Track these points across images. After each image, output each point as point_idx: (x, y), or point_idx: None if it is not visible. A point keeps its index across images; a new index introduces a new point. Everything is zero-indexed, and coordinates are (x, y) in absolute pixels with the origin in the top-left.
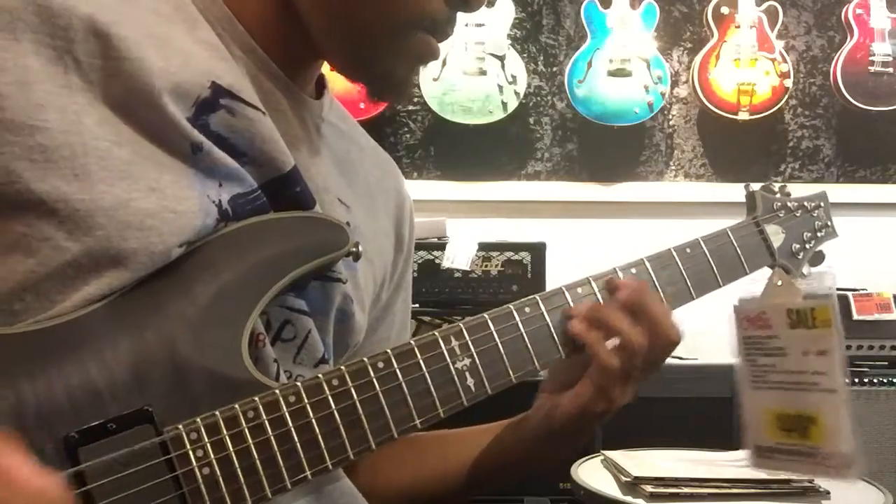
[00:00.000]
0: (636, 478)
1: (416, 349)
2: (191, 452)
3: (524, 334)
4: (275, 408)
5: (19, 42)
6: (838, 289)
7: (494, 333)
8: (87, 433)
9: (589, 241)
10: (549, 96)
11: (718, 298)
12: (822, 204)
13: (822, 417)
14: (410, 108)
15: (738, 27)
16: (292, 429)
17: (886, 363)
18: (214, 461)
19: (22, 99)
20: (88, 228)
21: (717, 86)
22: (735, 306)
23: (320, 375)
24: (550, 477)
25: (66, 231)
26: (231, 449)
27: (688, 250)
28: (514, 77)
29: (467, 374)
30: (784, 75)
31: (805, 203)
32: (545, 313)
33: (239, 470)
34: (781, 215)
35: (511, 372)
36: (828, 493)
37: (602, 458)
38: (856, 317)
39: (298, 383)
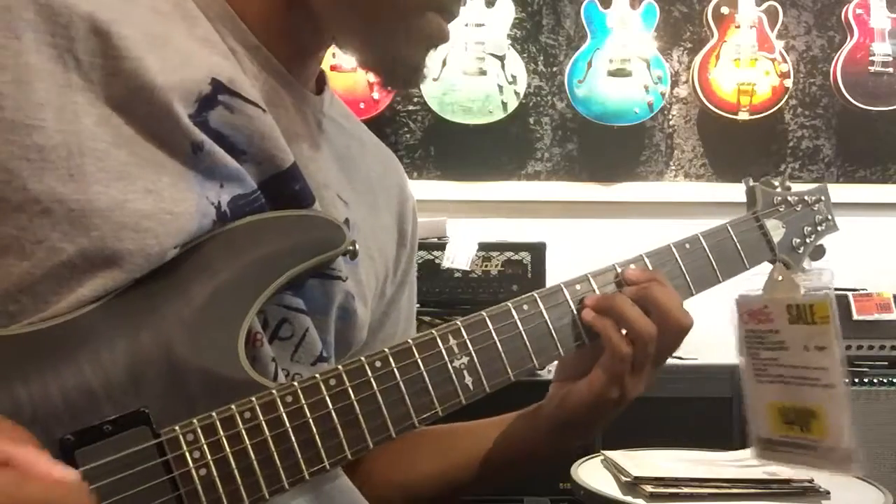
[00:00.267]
0: (636, 478)
1: (413, 348)
2: (187, 454)
3: (522, 332)
4: (272, 408)
5: (19, 40)
6: (838, 289)
7: (492, 332)
8: (83, 435)
9: (589, 241)
10: (549, 96)
11: (718, 298)
12: (822, 198)
13: (822, 412)
14: (410, 108)
15: (738, 27)
16: (289, 429)
17: (886, 363)
18: (211, 462)
19: (21, 97)
20: (84, 229)
21: (717, 86)
22: (737, 300)
23: (317, 375)
24: (550, 477)
25: (61, 232)
26: (228, 450)
27: (687, 246)
28: (514, 77)
29: (465, 372)
30: (784, 75)
31: (805, 197)
32: (543, 311)
33: (236, 471)
34: (782, 210)
35: (510, 370)
36: (828, 493)
37: (602, 458)
38: (856, 317)
39: (295, 383)
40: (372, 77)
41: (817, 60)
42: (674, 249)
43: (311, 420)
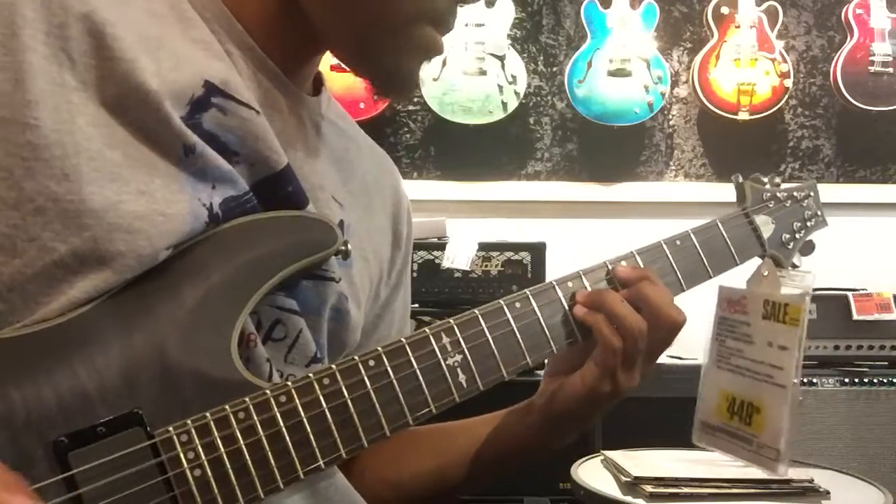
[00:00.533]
0: (636, 478)
1: (406, 347)
2: (182, 454)
3: (515, 329)
4: (266, 408)
5: (16, 37)
6: (838, 289)
7: (485, 329)
8: (76, 437)
9: (589, 241)
10: (549, 96)
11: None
12: (811, 194)
13: (766, 409)
14: (410, 108)
15: (738, 27)
16: (283, 429)
17: (886, 363)
18: (206, 463)
19: (16, 95)
20: (76, 229)
21: (717, 86)
22: (721, 286)
23: (311, 375)
24: (550, 477)
25: (54, 231)
26: (222, 450)
27: (678, 242)
28: (514, 77)
29: (459, 370)
30: (784, 75)
31: (795, 193)
32: (536, 308)
33: (231, 471)
34: (771, 206)
35: (503, 367)
36: (828, 493)
37: (602, 458)
38: (856, 317)
39: (289, 383)
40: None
41: (817, 60)
42: (664, 246)
43: (305, 419)
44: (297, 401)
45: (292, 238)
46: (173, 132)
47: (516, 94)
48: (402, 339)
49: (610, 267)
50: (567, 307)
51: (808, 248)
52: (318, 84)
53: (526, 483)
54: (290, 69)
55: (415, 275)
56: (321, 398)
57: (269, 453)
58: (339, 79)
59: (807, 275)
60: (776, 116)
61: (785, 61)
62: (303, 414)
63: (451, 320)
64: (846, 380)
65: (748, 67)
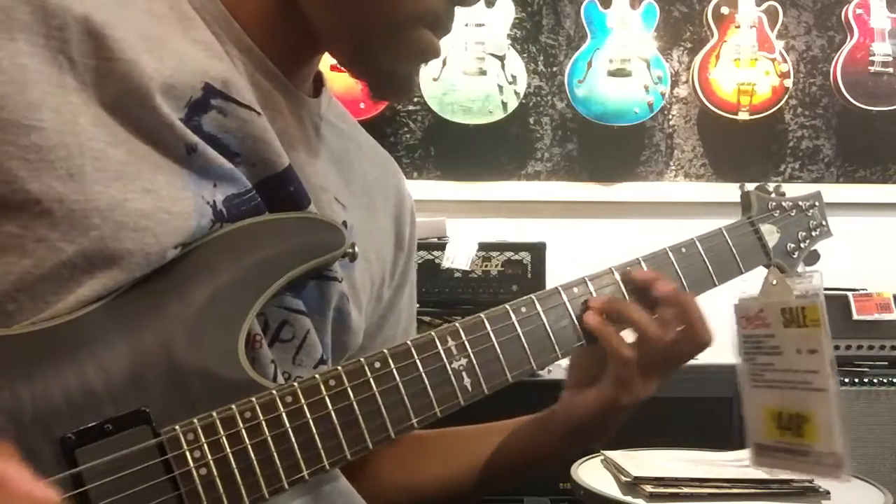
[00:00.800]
0: (636, 478)
1: (412, 349)
2: (188, 453)
3: (521, 334)
4: (272, 408)
5: (15, 41)
6: (838, 289)
7: (491, 333)
8: (83, 434)
9: (589, 241)
10: (549, 96)
11: (719, 300)
12: (816, 203)
13: (814, 416)
14: (410, 108)
15: (738, 27)
16: (289, 429)
17: (886, 363)
18: (211, 462)
19: (18, 98)
20: (83, 229)
21: (717, 86)
22: (735, 305)
23: (317, 376)
24: (550, 477)
25: (61, 232)
26: (228, 450)
27: (683, 250)
28: (514, 77)
29: (464, 373)
30: (784, 75)
31: (800, 203)
32: (541, 313)
33: (236, 470)
34: (776, 215)
35: (508, 371)
36: (828, 493)
37: (602, 458)
38: (856, 317)
39: (295, 384)
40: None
41: (817, 60)
42: (670, 253)
43: (310, 420)
44: (303, 401)
45: (300, 239)
46: (174, 131)
47: (516, 94)
48: (408, 342)
49: (616, 274)
50: (572, 313)
51: (812, 258)
52: (318, 84)
53: (526, 483)
54: (290, 70)
55: None
56: (327, 399)
57: (275, 453)
58: (339, 79)
59: (815, 274)
60: (776, 116)
61: (785, 61)
62: (308, 415)
63: (457, 324)
64: (846, 380)
65: (748, 67)
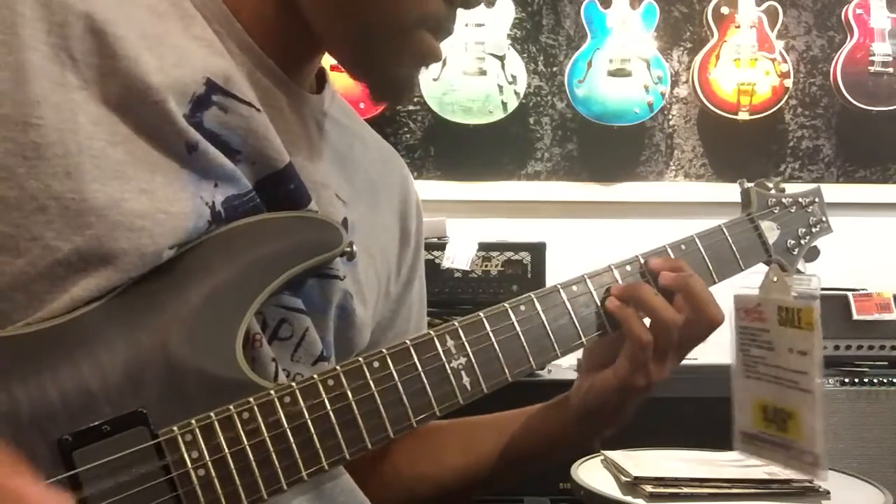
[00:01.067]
0: (636, 478)
1: (411, 349)
2: (186, 454)
3: (520, 333)
4: (270, 409)
5: (17, 37)
6: (838, 289)
7: (490, 332)
8: (81, 436)
9: (589, 241)
10: (549, 96)
11: (719, 300)
12: (816, 200)
13: (798, 415)
14: (410, 108)
15: (738, 27)
16: (288, 430)
17: (886, 363)
18: (210, 463)
19: (18, 95)
20: (79, 228)
21: (717, 86)
22: (735, 296)
23: (315, 376)
24: (550, 477)
25: (56, 230)
26: (226, 450)
27: (683, 247)
28: (514, 77)
29: (463, 373)
30: (784, 75)
31: (800, 199)
32: (540, 312)
33: (234, 471)
34: (776, 211)
35: (507, 371)
36: (828, 493)
37: (602, 458)
38: (856, 317)
39: (294, 384)
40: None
41: (817, 60)
42: (669, 251)
43: (309, 421)
44: (302, 402)
45: (298, 238)
46: (176, 130)
47: (516, 94)
48: (407, 342)
49: (615, 271)
50: (572, 311)
51: (812, 254)
52: (321, 81)
53: (526, 483)
54: (291, 68)
55: None
56: (325, 400)
57: (273, 454)
58: (339, 78)
59: (812, 278)
60: (776, 116)
61: (785, 61)
62: (307, 415)
63: (456, 323)
64: (846, 380)
65: (748, 67)
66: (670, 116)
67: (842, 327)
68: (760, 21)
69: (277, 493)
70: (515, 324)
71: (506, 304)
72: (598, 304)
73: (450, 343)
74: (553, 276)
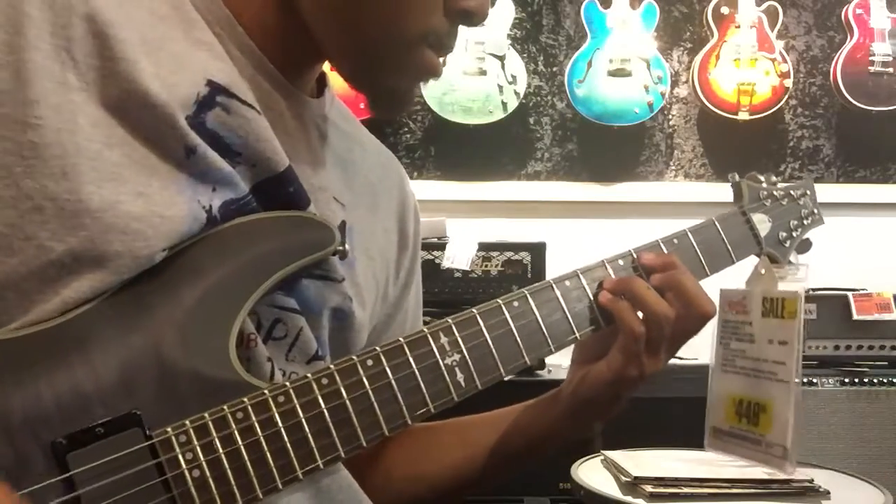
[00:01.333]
0: (636, 478)
1: (405, 346)
2: (180, 455)
3: (513, 328)
4: (264, 408)
5: (22, 35)
6: (838, 289)
7: (483, 328)
8: (75, 438)
9: (589, 241)
10: (549, 96)
11: (716, 298)
12: (808, 192)
13: (772, 407)
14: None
15: (738, 27)
16: (282, 429)
17: (886, 363)
18: (204, 463)
19: (18, 94)
20: (73, 229)
21: (717, 86)
22: (722, 290)
23: (309, 375)
24: (550, 477)
25: (51, 231)
26: (221, 450)
27: (675, 241)
28: (514, 77)
29: (457, 369)
30: (784, 75)
31: (791, 191)
32: (533, 307)
33: (229, 471)
34: (768, 204)
35: (501, 366)
36: (828, 493)
37: (602, 458)
38: (856, 317)
39: (287, 383)
40: None
41: (817, 60)
42: (662, 245)
43: (303, 419)
44: (296, 401)
45: (289, 238)
46: (175, 133)
47: (516, 94)
48: (401, 339)
49: (608, 266)
50: (565, 307)
51: (804, 247)
52: (321, 85)
53: (526, 483)
54: (291, 72)
55: None
56: (319, 398)
57: (268, 453)
58: (338, 79)
59: (802, 267)
60: (776, 116)
61: (785, 61)
62: (301, 414)
63: (449, 320)
64: (846, 380)
65: (748, 67)
66: (670, 116)
67: (842, 327)
68: (760, 21)
69: (273, 492)
70: (509, 319)
71: (499, 300)
72: (591, 298)
73: (443, 340)
74: (553, 276)
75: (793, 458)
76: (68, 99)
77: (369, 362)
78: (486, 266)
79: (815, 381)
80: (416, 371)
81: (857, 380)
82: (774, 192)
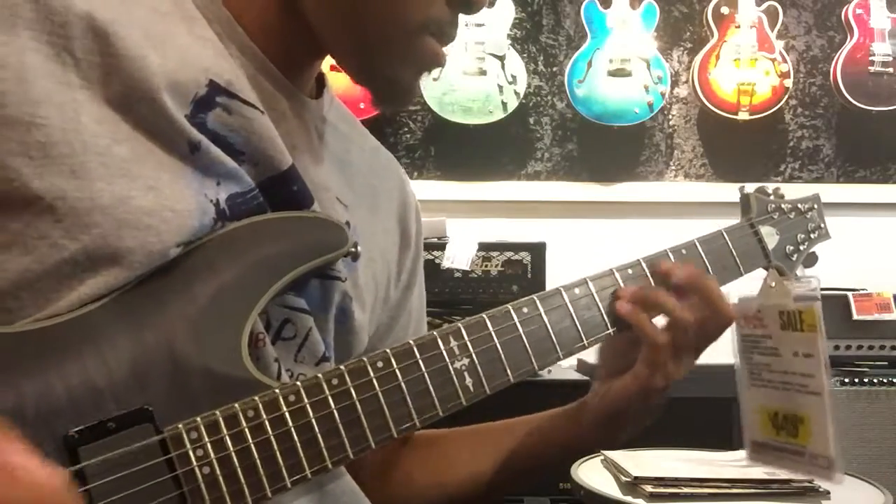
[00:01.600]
0: (636, 478)
1: (415, 349)
2: (191, 452)
3: (522, 334)
4: (275, 407)
5: (18, 38)
6: (838, 289)
7: (493, 333)
8: (86, 432)
9: (589, 241)
10: (549, 96)
11: None
12: (815, 206)
13: (809, 419)
14: (410, 108)
15: (738, 27)
16: (292, 428)
17: (886, 363)
18: (214, 460)
19: (21, 95)
20: (86, 226)
21: (717, 86)
22: (734, 304)
23: (320, 375)
24: (550, 477)
25: (64, 229)
26: (231, 448)
27: (683, 251)
28: (514, 77)
29: (466, 373)
30: (784, 75)
31: (799, 205)
32: (543, 313)
33: (239, 469)
34: (776, 217)
35: (509, 371)
36: (827, 493)
37: (602, 458)
38: (856, 317)
39: (298, 383)
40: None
41: (817, 60)
42: (670, 255)
43: (313, 419)
44: (306, 401)
45: (303, 238)
46: (177, 129)
47: (516, 94)
48: (411, 342)
49: (617, 274)
50: (573, 313)
51: (811, 260)
52: (320, 85)
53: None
54: (292, 72)
55: None
56: (329, 398)
57: (278, 452)
58: (339, 79)
59: (812, 279)
60: (776, 116)
61: (785, 61)
62: (311, 414)
63: (459, 323)
64: (846, 380)
65: (748, 67)
66: (670, 116)
67: (842, 327)
68: (760, 21)
69: (281, 491)
70: (518, 325)
71: (508, 306)
72: (600, 306)
73: (453, 343)
74: (553, 276)
75: (840, 467)
76: (71, 98)
77: (379, 364)
78: (486, 266)
79: None
80: (426, 374)
81: (857, 380)
82: (782, 206)
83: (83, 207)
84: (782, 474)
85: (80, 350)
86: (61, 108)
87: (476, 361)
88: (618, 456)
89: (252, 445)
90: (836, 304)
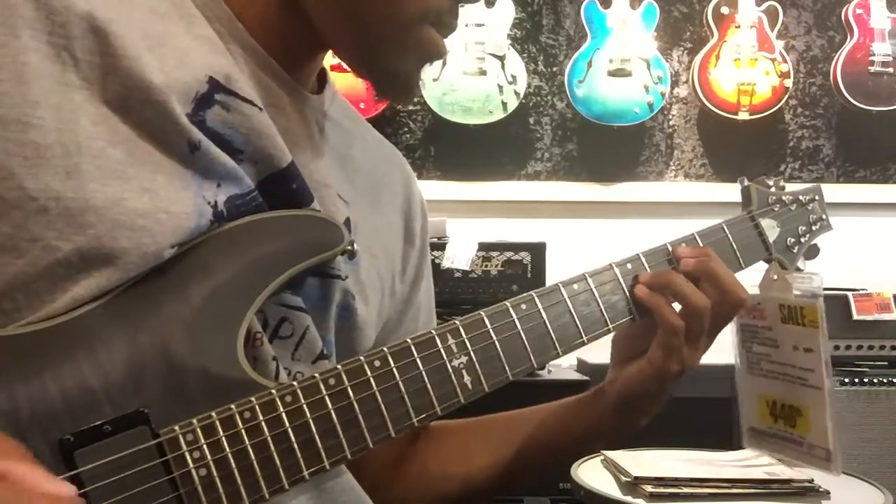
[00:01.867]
0: (636, 478)
1: (412, 347)
2: (187, 454)
3: (521, 331)
4: (271, 408)
5: (18, 38)
6: (838, 289)
7: (491, 331)
8: (82, 436)
9: (589, 241)
10: (549, 96)
11: None
12: (816, 197)
13: (808, 412)
14: (410, 108)
15: (738, 27)
16: (289, 429)
17: (886, 363)
18: (211, 462)
19: (18, 95)
20: (79, 227)
21: (717, 86)
22: None
23: (317, 375)
24: (550, 477)
25: (57, 230)
26: (228, 450)
27: (684, 245)
28: (514, 77)
29: (464, 371)
30: (784, 75)
31: (800, 197)
32: (541, 310)
33: (236, 471)
34: (776, 209)
35: (508, 369)
36: (828, 493)
37: (602, 458)
38: (856, 317)
39: (295, 383)
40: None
41: (817, 60)
42: (671, 249)
43: (310, 420)
44: (303, 401)
45: (299, 237)
46: (178, 129)
47: (516, 94)
48: (408, 340)
49: (616, 269)
50: (572, 309)
51: (812, 252)
52: (322, 81)
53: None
54: (293, 67)
55: None
56: (326, 398)
57: (275, 453)
58: (339, 78)
59: (815, 276)
60: (776, 116)
61: (785, 61)
62: (308, 414)
63: (457, 321)
64: (846, 380)
65: (748, 67)
66: (670, 116)
67: (842, 327)
68: (760, 21)
69: (279, 492)
70: (516, 322)
71: (507, 303)
72: (599, 301)
73: (451, 341)
74: (553, 276)
75: (838, 459)
76: (69, 98)
77: (377, 363)
78: (486, 266)
79: None
80: (424, 372)
81: (857, 380)
82: (783, 197)
83: (77, 208)
84: (781, 461)
85: (74, 352)
86: (58, 108)
87: (474, 359)
88: (618, 456)
89: (249, 447)
90: (836, 304)
